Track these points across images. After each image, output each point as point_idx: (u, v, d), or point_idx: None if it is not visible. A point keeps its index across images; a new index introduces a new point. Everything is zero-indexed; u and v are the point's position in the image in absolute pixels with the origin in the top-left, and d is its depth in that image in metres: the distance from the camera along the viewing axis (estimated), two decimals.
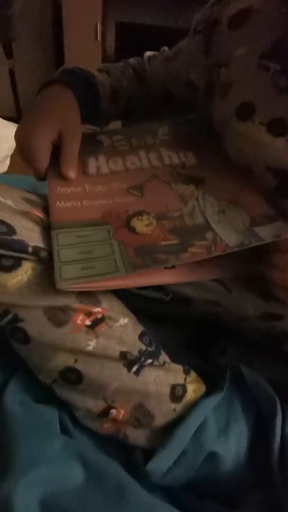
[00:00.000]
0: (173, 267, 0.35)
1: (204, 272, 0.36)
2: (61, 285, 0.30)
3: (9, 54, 2.17)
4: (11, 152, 0.92)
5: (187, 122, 0.50)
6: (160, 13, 2.16)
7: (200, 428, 0.33)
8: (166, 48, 0.54)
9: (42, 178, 0.42)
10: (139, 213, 0.38)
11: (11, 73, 2.23)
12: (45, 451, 0.27)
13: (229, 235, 0.34)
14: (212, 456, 0.31)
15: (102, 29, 2.16)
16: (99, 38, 2.12)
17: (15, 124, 0.93)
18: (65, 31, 2.10)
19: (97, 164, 0.44)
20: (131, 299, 0.38)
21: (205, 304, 0.41)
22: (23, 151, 0.42)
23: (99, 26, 2.12)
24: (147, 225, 0.37)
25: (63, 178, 0.41)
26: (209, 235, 0.35)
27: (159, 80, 0.53)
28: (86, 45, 2.14)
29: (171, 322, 0.46)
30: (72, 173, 0.41)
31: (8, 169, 0.92)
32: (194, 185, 0.40)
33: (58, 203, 0.38)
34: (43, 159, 0.41)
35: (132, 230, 0.36)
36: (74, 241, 0.34)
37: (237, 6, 0.39)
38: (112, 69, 0.54)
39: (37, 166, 0.41)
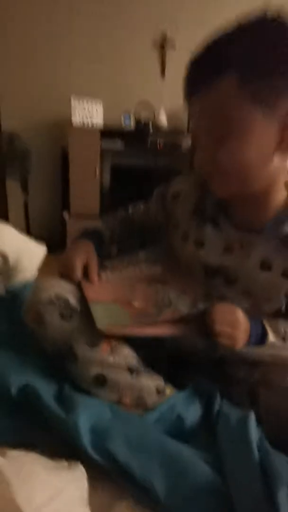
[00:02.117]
0: (156, 325, 0.69)
1: (173, 329, 0.68)
2: (100, 327, 0.64)
3: (25, 190, 2.82)
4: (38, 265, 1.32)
5: (155, 248, 0.91)
6: (144, 157, 2.95)
7: (172, 404, 0.62)
8: (141, 204, 0.97)
9: (76, 282, 0.76)
10: (135, 298, 0.74)
11: (25, 204, 2.87)
12: (90, 402, 0.57)
13: (182, 307, 0.70)
14: (180, 417, 0.61)
15: (100, 170, 2.88)
16: (97, 176, 2.82)
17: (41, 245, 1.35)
18: (71, 173, 2.78)
19: (105, 276, 0.81)
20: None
21: (174, 344, 0.74)
22: (64, 270, 0.77)
23: (97, 168, 2.83)
24: (139, 304, 0.73)
25: (90, 281, 0.77)
26: (172, 307, 0.70)
27: (139, 222, 0.95)
28: (88, 182, 2.82)
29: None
30: (95, 279, 0.78)
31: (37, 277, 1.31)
32: (162, 284, 0.78)
33: (90, 293, 0.74)
34: (79, 272, 0.76)
35: (132, 305, 0.72)
36: (101, 308, 0.70)
37: (173, 189, 0.83)
38: (110, 223, 0.93)
39: (75, 276, 0.75)
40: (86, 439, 0.53)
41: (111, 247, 0.92)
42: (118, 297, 0.74)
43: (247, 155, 0.58)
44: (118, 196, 2.92)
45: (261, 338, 0.67)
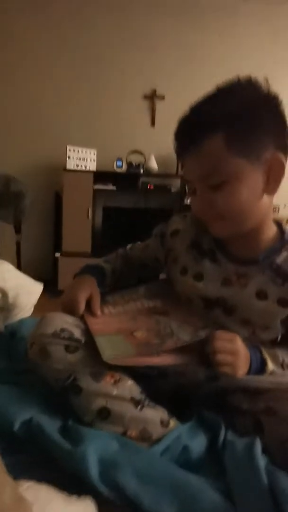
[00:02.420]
0: (159, 355, 0.70)
1: (176, 358, 0.70)
2: (106, 358, 0.66)
3: (18, 230, 2.87)
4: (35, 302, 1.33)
5: (154, 283, 0.95)
6: (136, 199, 3.07)
7: (178, 436, 0.63)
8: (139, 242, 1.01)
9: (80, 316, 0.78)
10: (137, 329, 0.76)
11: (17, 244, 2.90)
12: (96, 434, 0.57)
13: (184, 336, 0.72)
14: (186, 448, 0.61)
15: (92, 211, 2.97)
16: (90, 217, 2.91)
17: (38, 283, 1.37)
18: (64, 213, 2.85)
19: (108, 310, 0.83)
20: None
21: (176, 375, 0.75)
22: (68, 304, 0.79)
23: (90, 209, 2.92)
24: (142, 335, 0.75)
25: (93, 315, 0.79)
26: (174, 336, 0.73)
27: (139, 259, 0.98)
28: (80, 222, 2.90)
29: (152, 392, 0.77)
30: (98, 312, 0.80)
31: (31, 315, 1.31)
32: (163, 315, 0.81)
33: (94, 326, 0.76)
34: (82, 306, 0.78)
35: (135, 336, 0.74)
36: (105, 339, 0.71)
37: (172, 227, 0.88)
38: (111, 260, 0.98)
39: (79, 310, 0.77)
40: (94, 471, 0.53)
41: (113, 281, 0.94)
42: (121, 329, 0.76)
43: (240, 199, 0.65)
44: (110, 235, 3.00)
45: (261, 366, 0.69)
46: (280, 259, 0.72)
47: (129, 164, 3.01)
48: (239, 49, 3.02)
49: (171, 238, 0.87)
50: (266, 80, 0.64)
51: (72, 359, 0.69)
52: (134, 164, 3.04)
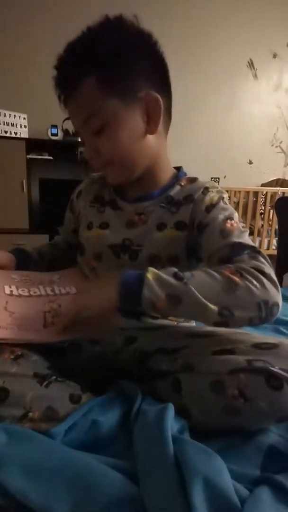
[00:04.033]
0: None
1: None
2: None
3: None
4: None
5: (72, 269, 0.86)
6: (73, 171, 2.89)
7: (88, 410, 0.55)
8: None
9: None
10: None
11: None
12: None
13: None
14: (95, 423, 0.53)
15: (28, 184, 2.75)
16: (25, 190, 2.69)
17: None
18: None
19: (10, 289, 0.71)
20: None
21: (92, 345, 0.67)
22: None
23: (24, 181, 2.70)
24: None
25: None
26: None
27: (63, 240, 0.94)
28: (15, 196, 2.68)
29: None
30: None
31: None
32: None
33: None
34: None
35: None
36: None
37: (77, 190, 0.86)
38: (37, 246, 0.93)
39: None
40: None
41: (40, 263, 0.90)
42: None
43: (122, 140, 0.66)
44: (48, 210, 2.80)
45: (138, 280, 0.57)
46: (173, 192, 0.74)
47: (66, 132, 2.81)
48: None
49: (76, 200, 0.86)
50: (136, 18, 0.63)
51: None
52: (71, 132, 2.84)
